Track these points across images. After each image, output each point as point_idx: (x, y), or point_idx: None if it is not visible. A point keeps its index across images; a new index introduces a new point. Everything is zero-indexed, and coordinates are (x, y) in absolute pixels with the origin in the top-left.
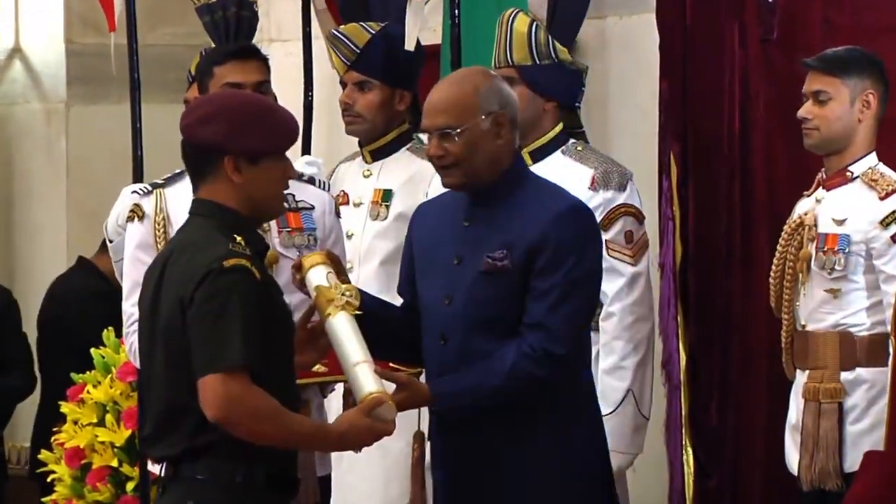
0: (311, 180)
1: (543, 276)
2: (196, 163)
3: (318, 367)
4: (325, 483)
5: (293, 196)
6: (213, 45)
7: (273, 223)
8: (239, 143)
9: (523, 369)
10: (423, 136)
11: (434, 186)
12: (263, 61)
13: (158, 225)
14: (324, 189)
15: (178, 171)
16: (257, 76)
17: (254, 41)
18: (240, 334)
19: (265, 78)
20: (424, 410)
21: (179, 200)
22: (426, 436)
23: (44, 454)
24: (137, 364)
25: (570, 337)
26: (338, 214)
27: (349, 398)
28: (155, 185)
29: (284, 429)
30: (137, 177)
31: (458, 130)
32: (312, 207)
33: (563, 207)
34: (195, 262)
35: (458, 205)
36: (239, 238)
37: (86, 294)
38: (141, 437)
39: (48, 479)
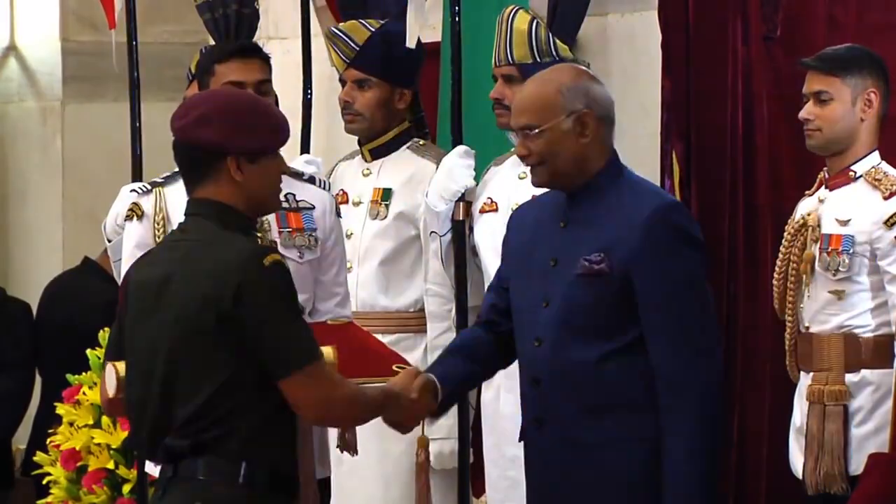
0: (311, 179)
1: (650, 301)
2: (193, 163)
3: None
4: (324, 486)
5: (294, 196)
6: (213, 43)
7: (273, 223)
8: (240, 142)
9: (696, 419)
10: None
11: (434, 186)
12: (265, 60)
13: (158, 224)
14: (324, 188)
15: (176, 170)
16: (259, 75)
17: (254, 39)
18: (306, 328)
19: (266, 77)
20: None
21: (179, 199)
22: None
23: (39, 456)
24: None
25: (710, 363)
26: (338, 214)
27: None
28: (154, 184)
29: (368, 402)
30: (136, 176)
31: (539, 130)
32: (313, 207)
33: (655, 210)
34: (222, 260)
35: (555, 206)
36: (248, 237)
37: (91, 295)
38: (137, 439)
39: (43, 482)
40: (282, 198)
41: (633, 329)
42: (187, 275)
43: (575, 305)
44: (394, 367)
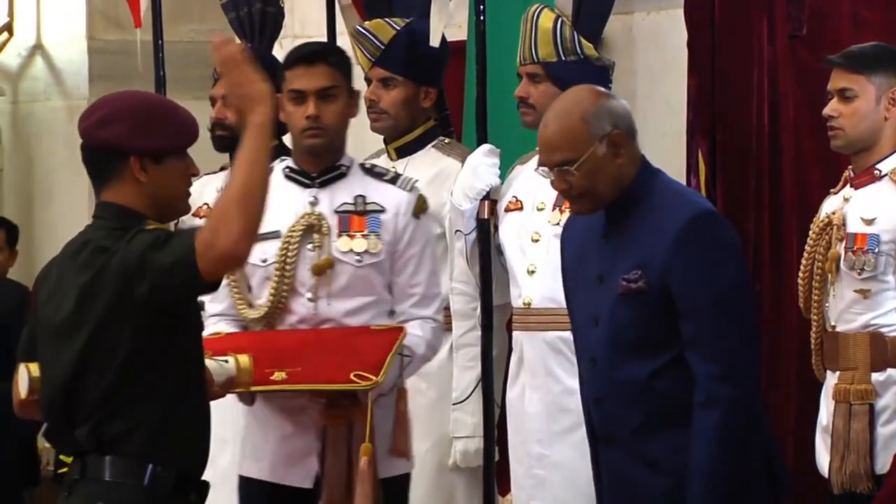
0: (393, 179)
1: (688, 313)
2: (98, 165)
3: (277, 376)
4: (390, 484)
5: (363, 198)
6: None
7: (334, 227)
8: (142, 142)
9: (726, 434)
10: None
11: (459, 184)
12: (334, 65)
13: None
14: (406, 188)
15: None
16: (322, 82)
17: (279, 37)
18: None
19: (333, 83)
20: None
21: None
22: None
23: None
24: None
25: (746, 375)
26: (419, 214)
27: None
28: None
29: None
30: None
31: (576, 164)
32: (383, 210)
33: (687, 219)
34: (131, 247)
35: (598, 218)
36: None
37: None
38: (48, 428)
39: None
40: (347, 199)
41: (680, 342)
42: (76, 269)
43: (621, 325)
44: (351, 376)
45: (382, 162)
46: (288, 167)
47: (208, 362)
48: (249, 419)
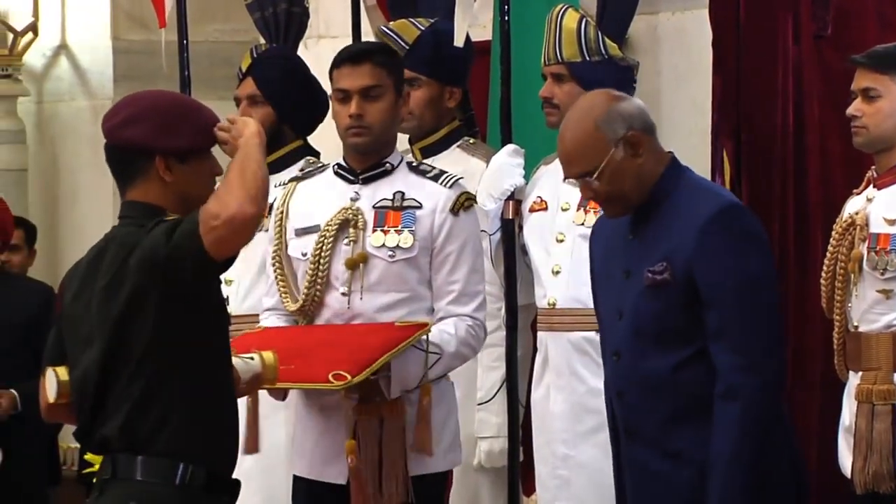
0: (436, 176)
1: (712, 303)
2: (122, 165)
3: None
4: (424, 482)
5: (402, 194)
6: (262, 42)
7: (370, 221)
8: (167, 141)
9: (747, 425)
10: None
11: (484, 185)
12: (380, 64)
13: (277, 218)
14: (448, 185)
15: (320, 163)
16: (366, 80)
17: (304, 37)
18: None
19: (376, 82)
20: None
21: (307, 192)
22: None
23: (89, 455)
24: None
25: (769, 366)
26: (457, 211)
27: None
28: (294, 178)
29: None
30: None
31: (597, 173)
32: (420, 206)
33: (712, 211)
34: (147, 237)
35: (626, 217)
36: None
37: None
38: (79, 428)
39: (94, 481)
40: (387, 195)
41: (702, 336)
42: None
43: (644, 316)
44: (329, 377)
45: None
46: (337, 164)
47: (234, 360)
48: (296, 418)
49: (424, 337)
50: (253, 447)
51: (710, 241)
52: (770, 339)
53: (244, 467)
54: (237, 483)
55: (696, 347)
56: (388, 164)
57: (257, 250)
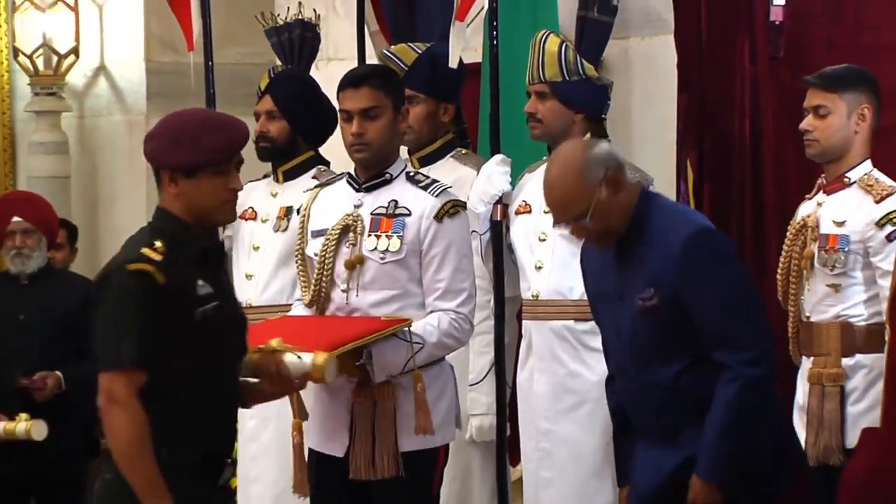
0: (426, 186)
1: (702, 315)
2: (155, 175)
3: (272, 342)
4: (415, 457)
5: (395, 202)
6: (279, 64)
7: (367, 226)
8: (170, 158)
9: (740, 408)
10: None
11: (475, 190)
12: (377, 87)
13: (301, 221)
14: (435, 195)
15: (335, 173)
16: (364, 102)
17: (315, 60)
18: (130, 336)
19: (374, 104)
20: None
21: (329, 198)
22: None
23: None
24: None
25: (759, 357)
26: (441, 218)
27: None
28: (319, 185)
29: (126, 459)
30: None
31: (588, 216)
32: (409, 213)
33: (687, 235)
34: (109, 264)
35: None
36: (159, 243)
37: None
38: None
39: None
40: (384, 203)
41: (697, 344)
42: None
43: (642, 336)
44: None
45: None
46: (348, 173)
47: (287, 357)
48: (312, 400)
49: (407, 329)
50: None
51: (691, 268)
52: (763, 337)
53: (263, 440)
54: (224, 462)
55: (691, 359)
56: (388, 175)
57: (276, 247)
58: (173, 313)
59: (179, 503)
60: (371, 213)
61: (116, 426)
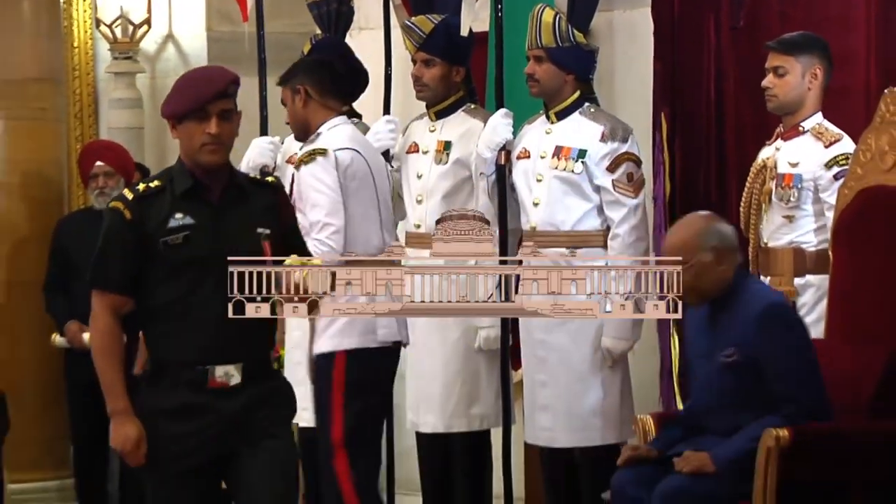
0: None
1: (779, 377)
2: None
3: None
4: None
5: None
6: (319, 32)
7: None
8: (165, 110)
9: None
10: None
11: (483, 139)
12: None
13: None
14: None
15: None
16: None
17: (350, 29)
18: (104, 262)
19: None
20: None
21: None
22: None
23: None
24: None
25: (823, 408)
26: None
27: None
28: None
29: (95, 362)
30: (263, 131)
31: (688, 264)
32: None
33: (764, 306)
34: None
35: (706, 309)
36: (142, 185)
37: None
38: None
39: None
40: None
41: (764, 398)
42: None
43: (724, 387)
44: None
45: (424, 123)
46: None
47: None
48: None
49: None
50: None
51: (766, 332)
52: (820, 388)
53: (300, 376)
54: (178, 369)
55: (763, 407)
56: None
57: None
58: (139, 243)
59: (162, 406)
60: None
61: (90, 335)
